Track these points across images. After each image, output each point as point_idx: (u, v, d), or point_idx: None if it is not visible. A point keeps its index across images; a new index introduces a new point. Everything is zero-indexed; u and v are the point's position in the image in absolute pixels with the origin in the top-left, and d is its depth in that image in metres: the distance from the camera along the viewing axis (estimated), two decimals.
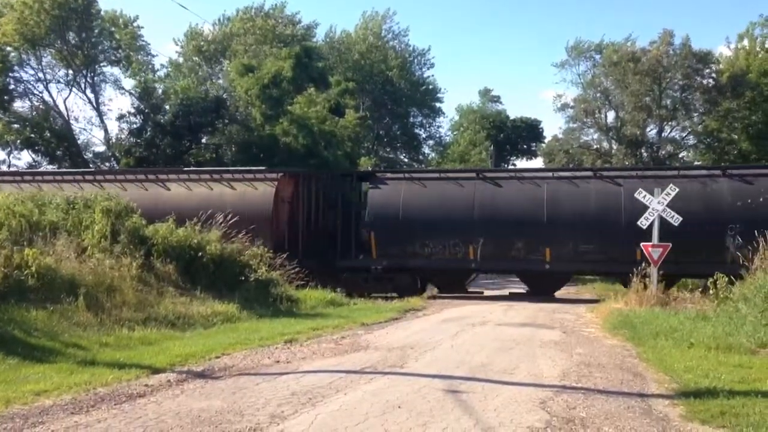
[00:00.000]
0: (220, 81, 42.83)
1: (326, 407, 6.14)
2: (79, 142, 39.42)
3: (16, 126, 37.64)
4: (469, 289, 23.57)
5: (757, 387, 6.98)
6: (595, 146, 44.26)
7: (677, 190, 16.82)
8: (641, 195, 16.96)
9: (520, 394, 6.81)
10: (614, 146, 43.33)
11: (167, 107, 35.34)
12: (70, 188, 19.94)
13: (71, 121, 39.04)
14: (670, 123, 41.54)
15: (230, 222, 16.68)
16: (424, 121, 53.65)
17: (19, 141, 37.57)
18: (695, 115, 41.33)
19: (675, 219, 16.53)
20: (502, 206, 20.60)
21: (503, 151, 52.59)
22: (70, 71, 37.99)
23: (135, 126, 35.70)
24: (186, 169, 25.43)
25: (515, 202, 20.58)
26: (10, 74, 35.81)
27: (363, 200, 22.78)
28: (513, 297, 21.45)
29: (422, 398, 6.53)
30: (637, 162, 39.11)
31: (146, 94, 35.97)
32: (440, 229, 20.63)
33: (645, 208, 16.87)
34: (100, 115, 39.25)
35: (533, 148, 53.63)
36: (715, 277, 13.57)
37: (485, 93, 58.43)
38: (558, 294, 21.92)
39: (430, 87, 52.31)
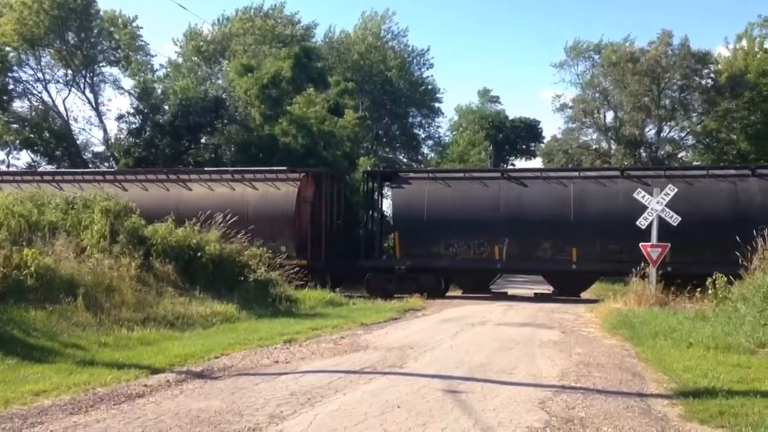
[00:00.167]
0: (220, 81, 42.75)
1: (325, 407, 6.14)
2: (78, 142, 39.40)
3: (15, 126, 37.59)
4: (493, 290, 23.38)
5: (756, 387, 6.99)
6: (594, 146, 44.29)
7: (676, 190, 16.82)
8: (640, 195, 16.98)
9: (519, 394, 6.81)
10: (613, 146, 43.34)
11: (166, 107, 35.26)
12: (70, 188, 19.99)
13: (70, 121, 39.09)
14: (668, 123, 41.58)
15: (250, 225, 16.82)
16: (424, 121, 53.56)
17: (18, 141, 37.50)
18: (694, 115, 41.33)
19: (674, 219, 16.54)
20: (527, 206, 20.63)
21: (502, 151, 52.67)
22: (69, 71, 37.95)
23: (134, 126, 35.62)
24: (208, 169, 25.30)
25: (541, 201, 20.60)
26: (9, 74, 35.74)
27: (382, 200, 22.78)
28: (533, 298, 21.38)
29: (421, 398, 6.53)
30: (636, 162, 39.13)
31: (145, 94, 35.88)
32: (465, 229, 20.62)
33: (671, 207, 16.77)
34: (100, 115, 39.27)
35: (532, 149, 53.78)
36: (714, 276, 13.58)
37: (484, 93, 58.58)
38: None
39: (429, 87, 52.21)
